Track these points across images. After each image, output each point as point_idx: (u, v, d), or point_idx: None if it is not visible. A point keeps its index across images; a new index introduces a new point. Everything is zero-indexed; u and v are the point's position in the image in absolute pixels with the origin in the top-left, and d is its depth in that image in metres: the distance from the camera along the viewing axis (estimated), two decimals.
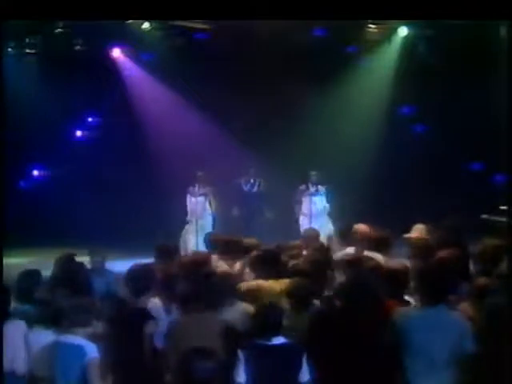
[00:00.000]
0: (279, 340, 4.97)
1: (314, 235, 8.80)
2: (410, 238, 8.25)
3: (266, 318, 5.01)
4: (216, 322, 5.49)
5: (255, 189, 13.60)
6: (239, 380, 4.87)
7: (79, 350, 5.15)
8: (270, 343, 4.94)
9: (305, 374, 4.95)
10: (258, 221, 13.44)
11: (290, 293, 5.72)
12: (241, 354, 4.89)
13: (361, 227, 8.63)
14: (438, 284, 5.18)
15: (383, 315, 5.16)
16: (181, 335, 5.41)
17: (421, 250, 7.40)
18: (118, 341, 5.71)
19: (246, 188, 13.64)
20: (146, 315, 5.86)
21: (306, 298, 5.70)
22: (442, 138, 14.82)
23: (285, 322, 5.22)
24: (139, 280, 6.18)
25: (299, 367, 4.94)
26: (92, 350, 5.19)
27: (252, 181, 13.62)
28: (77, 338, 5.21)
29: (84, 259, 7.94)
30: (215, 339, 5.20)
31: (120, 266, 8.61)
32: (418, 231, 8.52)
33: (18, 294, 6.23)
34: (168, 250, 7.65)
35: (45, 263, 7.42)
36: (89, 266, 7.87)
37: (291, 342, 5.03)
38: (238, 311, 5.80)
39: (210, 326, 5.41)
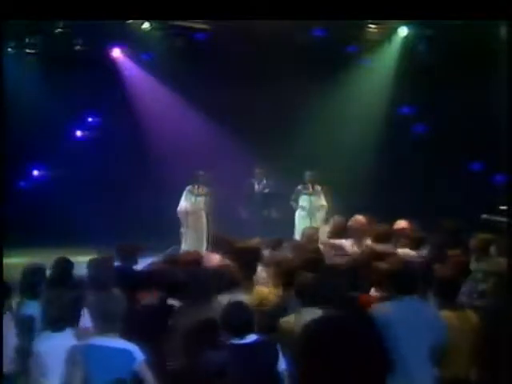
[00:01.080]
0: (251, 338, 4.96)
1: (312, 234, 8.85)
2: (396, 230, 8.42)
3: (234, 317, 4.99)
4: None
5: (264, 189, 13.64)
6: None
7: (128, 355, 4.92)
8: (242, 342, 4.94)
9: (281, 364, 4.98)
10: (265, 220, 13.45)
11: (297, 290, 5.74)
12: (217, 356, 4.89)
13: (358, 219, 8.75)
14: (410, 276, 5.19)
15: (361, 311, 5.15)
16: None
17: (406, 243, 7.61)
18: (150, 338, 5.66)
19: (256, 188, 13.68)
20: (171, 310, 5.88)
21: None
22: (442, 138, 14.82)
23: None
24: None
25: (275, 361, 4.96)
26: (139, 353, 4.96)
27: (262, 181, 13.66)
28: (120, 342, 4.97)
29: (86, 259, 7.92)
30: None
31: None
32: (401, 225, 8.71)
33: (23, 289, 6.23)
34: (127, 250, 7.65)
35: (45, 263, 7.39)
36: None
37: (263, 338, 5.03)
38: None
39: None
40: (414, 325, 4.96)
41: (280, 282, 6.33)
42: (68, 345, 5.11)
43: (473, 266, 6.99)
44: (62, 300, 5.47)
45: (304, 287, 5.67)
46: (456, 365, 5.26)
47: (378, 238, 8.14)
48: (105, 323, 4.99)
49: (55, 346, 5.25)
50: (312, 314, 5.27)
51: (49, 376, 5.27)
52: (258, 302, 6.13)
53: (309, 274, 5.95)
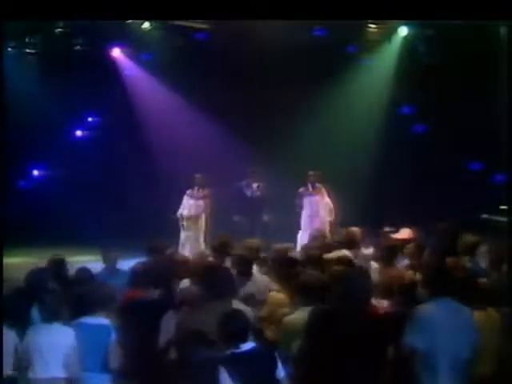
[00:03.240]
0: (248, 346, 4.92)
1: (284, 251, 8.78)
2: (400, 240, 8.32)
3: (230, 326, 4.95)
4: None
5: (257, 192, 13.59)
6: None
7: (106, 329, 5.67)
8: (239, 350, 4.89)
9: (280, 371, 4.96)
10: (258, 223, 13.43)
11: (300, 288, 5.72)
12: (219, 366, 4.85)
13: (354, 230, 8.59)
14: (438, 278, 5.18)
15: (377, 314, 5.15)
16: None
17: (412, 251, 7.56)
18: (134, 328, 5.92)
19: (247, 191, 13.61)
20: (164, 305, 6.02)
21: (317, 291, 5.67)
22: (442, 138, 14.82)
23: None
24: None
25: (274, 368, 4.92)
26: (114, 330, 5.67)
27: (253, 184, 13.60)
28: (102, 319, 5.71)
29: (86, 258, 7.96)
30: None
31: (120, 265, 8.65)
32: (406, 234, 8.59)
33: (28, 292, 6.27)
34: (157, 248, 7.74)
35: (45, 263, 7.42)
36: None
37: (260, 345, 5.01)
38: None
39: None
40: (451, 326, 4.96)
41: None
42: (57, 338, 5.59)
43: None
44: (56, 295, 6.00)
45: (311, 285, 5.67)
46: (481, 364, 5.24)
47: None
48: (93, 307, 5.80)
49: (44, 340, 5.61)
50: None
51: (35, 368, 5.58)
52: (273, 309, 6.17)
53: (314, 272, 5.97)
